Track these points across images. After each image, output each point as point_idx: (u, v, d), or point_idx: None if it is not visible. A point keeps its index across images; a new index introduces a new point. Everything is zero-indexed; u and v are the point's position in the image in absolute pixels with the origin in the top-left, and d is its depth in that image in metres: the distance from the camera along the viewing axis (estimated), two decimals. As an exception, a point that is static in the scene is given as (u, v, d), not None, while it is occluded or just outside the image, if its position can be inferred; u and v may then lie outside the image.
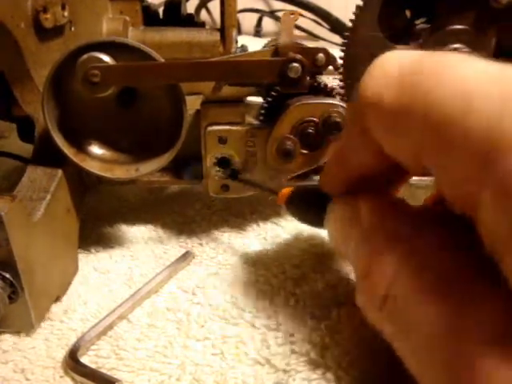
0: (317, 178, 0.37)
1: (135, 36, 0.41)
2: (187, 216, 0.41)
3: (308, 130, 0.33)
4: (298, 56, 0.31)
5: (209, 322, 0.29)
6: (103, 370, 0.26)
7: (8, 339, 0.29)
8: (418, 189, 0.41)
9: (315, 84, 0.35)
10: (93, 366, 0.27)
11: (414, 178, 0.38)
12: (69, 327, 0.30)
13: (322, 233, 0.36)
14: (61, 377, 0.26)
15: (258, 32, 1.17)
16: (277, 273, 0.33)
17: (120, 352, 0.27)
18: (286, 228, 0.39)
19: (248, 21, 1.16)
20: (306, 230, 0.37)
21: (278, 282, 0.32)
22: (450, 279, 0.17)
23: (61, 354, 0.28)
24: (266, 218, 0.40)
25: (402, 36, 0.35)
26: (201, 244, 0.37)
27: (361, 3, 0.33)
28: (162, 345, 0.28)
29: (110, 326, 0.29)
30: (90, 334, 0.28)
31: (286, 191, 0.30)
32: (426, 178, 0.38)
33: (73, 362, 0.26)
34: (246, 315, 0.29)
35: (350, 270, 0.32)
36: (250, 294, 0.31)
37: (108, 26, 0.41)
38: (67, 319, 0.30)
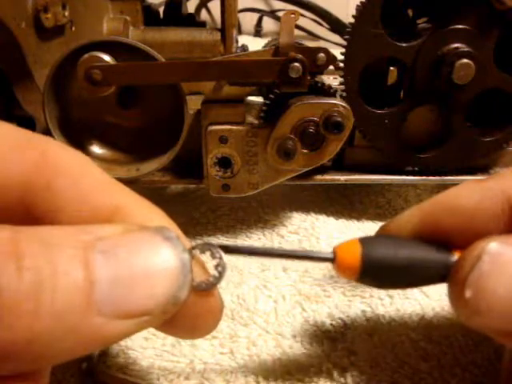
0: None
1: (136, 36, 0.41)
2: (192, 218, 0.41)
3: (309, 129, 0.33)
4: (299, 56, 0.31)
5: None
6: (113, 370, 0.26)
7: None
8: (422, 191, 0.42)
9: (316, 84, 0.35)
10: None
11: (418, 178, 0.38)
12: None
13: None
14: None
15: (258, 32, 1.17)
16: (287, 284, 0.32)
17: (128, 352, 0.27)
18: (293, 244, 0.37)
19: (248, 21, 1.16)
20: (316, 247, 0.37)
21: (290, 294, 0.31)
22: None
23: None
24: (271, 228, 0.39)
25: (404, 34, 0.35)
26: None
27: (363, 0, 0.33)
28: (169, 343, 0.28)
29: None
30: None
31: (351, 256, 0.19)
32: (433, 178, 0.38)
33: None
34: (257, 319, 0.29)
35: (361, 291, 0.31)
36: (259, 299, 0.31)
37: (108, 25, 0.41)
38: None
